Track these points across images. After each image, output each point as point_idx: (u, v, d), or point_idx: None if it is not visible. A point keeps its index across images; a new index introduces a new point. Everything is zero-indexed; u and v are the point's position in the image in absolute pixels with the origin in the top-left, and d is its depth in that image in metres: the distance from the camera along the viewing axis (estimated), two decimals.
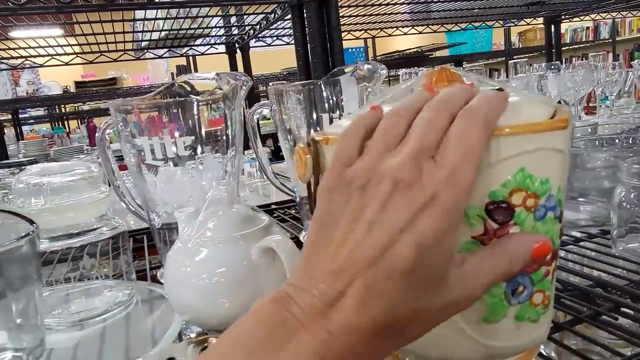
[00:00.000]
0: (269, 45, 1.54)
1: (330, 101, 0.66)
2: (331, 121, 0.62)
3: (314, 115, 0.65)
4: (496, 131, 0.26)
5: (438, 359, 0.31)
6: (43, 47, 1.40)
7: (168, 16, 1.21)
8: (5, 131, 3.05)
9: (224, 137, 0.56)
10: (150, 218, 0.59)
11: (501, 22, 2.14)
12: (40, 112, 4.58)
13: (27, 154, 2.76)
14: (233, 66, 1.51)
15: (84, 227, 0.48)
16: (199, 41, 1.42)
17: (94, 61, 1.36)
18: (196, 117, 0.53)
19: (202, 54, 1.48)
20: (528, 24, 1.99)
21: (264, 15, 1.14)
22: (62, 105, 4.52)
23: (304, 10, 0.90)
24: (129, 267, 0.51)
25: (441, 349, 0.30)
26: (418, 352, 0.31)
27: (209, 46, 1.48)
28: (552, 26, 1.94)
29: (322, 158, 0.32)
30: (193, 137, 0.52)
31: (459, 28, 2.09)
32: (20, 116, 3.64)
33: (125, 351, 0.41)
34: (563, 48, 4.72)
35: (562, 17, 1.92)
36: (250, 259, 0.39)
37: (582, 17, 2.02)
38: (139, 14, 1.28)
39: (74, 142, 3.45)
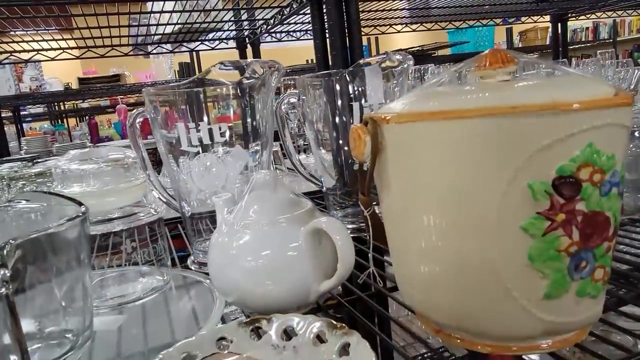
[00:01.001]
0: (279, 40, 1.54)
1: (356, 92, 0.67)
2: (361, 110, 0.63)
3: (339, 105, 0.66)
4: (565, 106, 0.26)
5: (498, 336, 0.31)
6: (47, 41, 1.40)
7: (177, 8, 1.21)
8: (5, 128, 3.04)
9: (257, 126, 0.57)
10: (182, 205, 0.59)
11: (502, 20, 2.15)
12: (39, 109, 4.56)
13: (29, 150, 2.75)
14: (242, 57, 1.50)
15: (122, 212, 0.48)
16: (209, 36, 1.42)
17: (105, 55, 1.36)
18: (231, 104, 0.53)
19: (213, 48, 1.48)
20: (534, 22, 1.99)
21: (279, 9, 1.14)
22: (62, 103, 4.51)
23: (324, 3, 0.90)
24: (164, 254, 0.51)
25: (501, 326, 0.31)
26: (476, 330, 0.32)
27: (219, 41, 1.47)
28: (559, 24, 1.95)
29: (380, 138, 0.32)
30: (228, 124, 0.52)
31: (467, 25, 2.10)
32: (20, 113, 3.62)
33: (170, 333, 0.41)
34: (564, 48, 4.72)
35: (569, 15, 1.93)
36: (296, 241, 0.39)
37: (587, 16, 2.03)
38: (149, 7, 1.29)
39: (75, 139, 3.45)
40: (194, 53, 3.00)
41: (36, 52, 1.31)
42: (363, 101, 0.67)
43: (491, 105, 0.27)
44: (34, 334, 0.33)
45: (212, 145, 0.52)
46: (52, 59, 1.37)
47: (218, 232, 0.43)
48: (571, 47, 4.95)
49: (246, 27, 1.44)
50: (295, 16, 1.17)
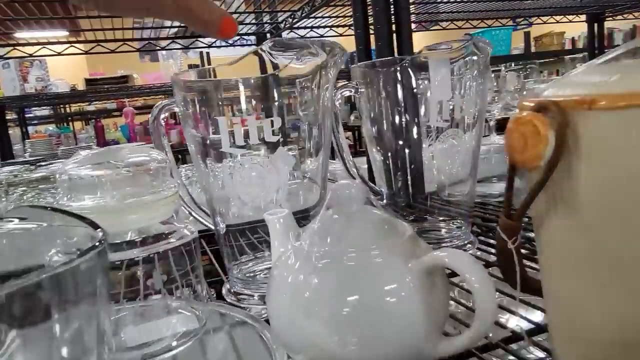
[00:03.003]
0: (302, 37, 1.43)
1: (420, 84, 0.55)
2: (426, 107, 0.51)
3: (398, 100, 0.54)
4: None
5: None
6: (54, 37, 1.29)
7: None
8: (10, 131, 2.94)
9: (314, 122, 0.45)
10: (216, 221, 0.48)
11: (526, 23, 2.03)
12: (44, 111, 4.47)
13: (34, 153, 2.65)
14: (262, 61, 1.38)
15: (145, 231, 0.37)
16: None
17: (116, 50, 1.25)
18: (284, 95, 0.42)
19: (231, 44, 1.37)
20: (557, 22, 1.86)
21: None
22: (68, 105, 4.42)
23: None
24: (198, 285, 0.40)
25: None
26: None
27: (238, 37, 1.37)
28: (595, 24, 1.84)
29: (570, 135, 0.21)
30: (281, 120, 0.41)
31: (485, 26, 1.98)
32: (25, 115, 3.53)
33: None
34: (579, 54, 4.61)
35: (606, 14, 1.82)
36: (404, 281, 0.27)
37: (625, 16, 1.91)
38: None
39: (80, 142, 3.34)
40: (205, 55, 2.90)
41: (42, 47, 1.21)
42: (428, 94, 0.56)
43: None
44: None
45: (262, 144, 0.41)
46: (59, 54, 1.27)
47: (280, 264, 0.31)
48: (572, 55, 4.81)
49: (268, 21, 1.33)
50: (325, 9, 1.06)
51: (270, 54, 0.40)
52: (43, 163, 1.10)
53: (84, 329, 0.25)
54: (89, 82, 2.64)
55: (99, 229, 0.26)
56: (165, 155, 0.38)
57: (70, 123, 4.68)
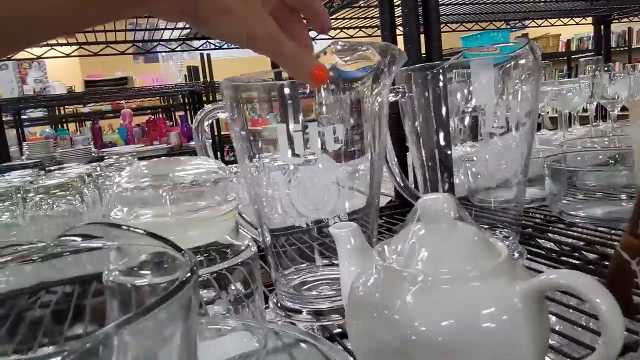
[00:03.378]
0: (313, 39, 1.41)
1: (464, 90, 0.54)
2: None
3: (435, 106, 0.53)
4: None
5: None
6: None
7: None
8: (5, 132, 2.89)
9: (369, 130, 0.43)
10: (262, 231, 0.45)
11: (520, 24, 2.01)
12: (39, 113, 4.40)
13: (31, 155, 2.60)
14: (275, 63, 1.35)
15: (205, 248, 0.34)
16: None
17: (125, 52, 1.22)
18: (348, 100, 0.39)
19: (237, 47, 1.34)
20: (556, 24, 1.86)
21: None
22: (63, 107, 4.35)
23: None
24: (254, 303, 0.37)
25: None
26: None
27: None
28: (602, 27, 1.83)
29: None
30: (346, 128, 0.39)
31: (480, 29, 1.97)
32: (21, 117, 3.47)
33: None
34: (573, 56, 4.65)
35: (613, 17, 1.82)
36: (511, 306, 0.25)
37: (630, 19, 1.91)
38: None
39: (77, 145, 3.29)
40: (205, 56, 2.87)
41: (50, 48, 1.17)
42: (467, 101, 0.54)
43: None
44: None
45: (323, 152, 0.39)
46: (39, 57, 1.22)
47: (363, 285, 0.29)
48: (578, 55, 4.85)
49: None
50: (346, 9, 1.04)
51: (337, 55, 0.38)
52: (53, 168, 1.07)
53: (184, 349, 0.23)
54: (87, 83, 2.60)
55: (185, 255, 0.24)
56: (224, 166, 0.35)
57: (65, 125, 4.62)
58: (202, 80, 2.77)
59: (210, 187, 0.34)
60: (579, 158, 0.70)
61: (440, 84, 0.52)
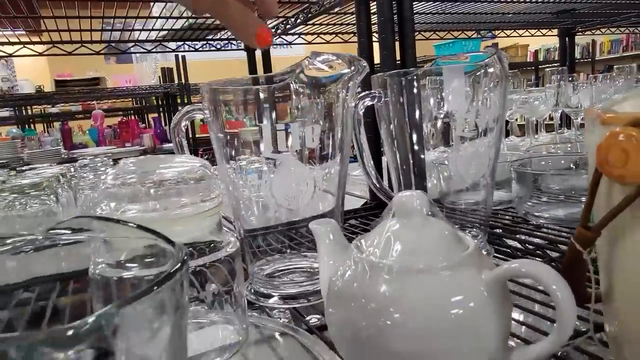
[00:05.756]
0: (289, 44, 1.43)
1: (437, 96, 0.57)
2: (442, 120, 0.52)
3: (409, 112, 0.55)
4: None
5: None
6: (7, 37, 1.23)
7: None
8: None
9: (338, 133, 0.45)
10: (238, 225, 0.47)
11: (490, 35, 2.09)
12: (5, 113, 4.27)
13: None
14: (252, 67, 1.37)
15: (190, 243, 0.35)
16: (217, 35, 1.30)
17: (100, 52, 1.21)
18: (319, 105, 0.41)
19: (219, 49, 1.35)
20: (520, 35, 1.94)
21: (307, 4, 1.03)
22: (30, 107, 4.23)
23: None
24: (239, 293, 0.38)
25: None
26: None
27: (227, 41, 1.35)
28: (567, 38, 1.92)
29: None
30: (323, 126, 0.40)
31: (452, 37, 2.03)
32: None
33: None
34: (540, 66, 4.81)
35: (578, 29, 1.90)
36: (475, 292, 0.27)
37: (593, 31, 2.00)
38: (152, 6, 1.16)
39: (45, 145, 3.21)
40: (180, 58, 2.85)
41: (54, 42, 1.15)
42: (440, 107, 0.57)
43: None
44: None
45: (300, 150, 0.40)
46: (10, 55, 1.21)
47: (343, 275, 0.31)
48: (544, 66, 5.03)
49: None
50: (324, 15, 1.06)
51: (313, 63, 0.40)
52: (24, 168, 1.05)
53: (175, 340, 0.24)
54: (58, 83, 2.54)
55: (175, 245, 0.25)
56: (208, 164, 0.36)
57: (33, 125, 4.49)
58: (177, 82, 2.75)
59: (196, 184, 0.35)
60: (543, 163, 0.74)
61: (415, 90, 0.55)
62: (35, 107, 4.25)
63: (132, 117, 4.27)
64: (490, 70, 0.55)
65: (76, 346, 0.15)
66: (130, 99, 4.36)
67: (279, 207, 0.44)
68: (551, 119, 1.49)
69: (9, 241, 0.28)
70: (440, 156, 0.57)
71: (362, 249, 0.31)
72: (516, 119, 1.63)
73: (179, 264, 0.22)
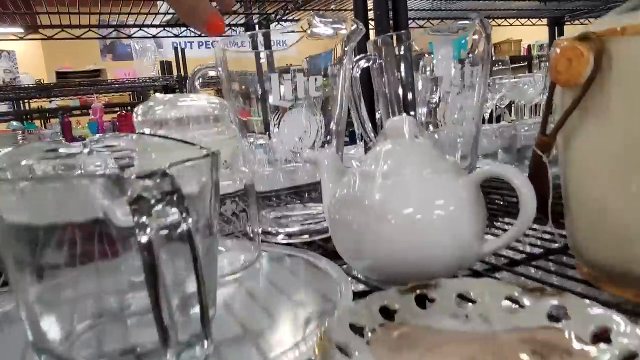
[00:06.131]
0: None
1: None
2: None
3: (402, 75, 0.61)
4: None
5: None
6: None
7: None
8: None
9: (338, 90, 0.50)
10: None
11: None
12: (5, 108, 4.29)
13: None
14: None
15: None
16: None
17: (53, 37, 1.24)
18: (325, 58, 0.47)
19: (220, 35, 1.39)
20: (514, 25, 2.00)
21: (284, 3, 1.08)
22: (29, 102, 4.26)
23: None
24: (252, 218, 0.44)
25: None
26: None
27: (228, 28, 1.40)
28: (556, 28, 1.98)
29: (605, 57, 0.27)
30: (324, 78, 0.46)
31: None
32: None
33: (293, 314, 0.34)
34: (534, 62, 4.86)
35: (566, 19, 1.96)
36: (451, 196, 0.33)
37: (582, 21, 2.07)
38: None
39: (46, 139, 3.24)
40: (180, 52, 2.90)
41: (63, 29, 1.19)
42: (428, 73, 0.63)
43: None
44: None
45: (305, 99, 0.46)
46: (21, 38, 1.24)
47: (350, 186, 0.36)
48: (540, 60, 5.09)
49: (256, 12, 1.36)
50: (301, 12, 1.12)
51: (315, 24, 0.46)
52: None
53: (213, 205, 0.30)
54: (59, 75, 2.58)
55: (202, 149, 0.30)
56: (225, 103, 0.42)
57: (31, 120, 4.51)
58: (176, 74, 2.80)
59: (215, 117, 0.40)
60: (526, 128, 0.79)
61: (406, 52, 0.60)
62: (33, 101, 4.28)
63: (132, 112, 4.30)
64: (475, 37, 0.61)
65: (155, 178, 0.21)
66: (129, 94, 4.40)
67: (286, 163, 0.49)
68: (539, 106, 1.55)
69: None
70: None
71: (363, 163, 0.37)
72: (510, 103, 1.69)
73: (213, 154, 0.28)
